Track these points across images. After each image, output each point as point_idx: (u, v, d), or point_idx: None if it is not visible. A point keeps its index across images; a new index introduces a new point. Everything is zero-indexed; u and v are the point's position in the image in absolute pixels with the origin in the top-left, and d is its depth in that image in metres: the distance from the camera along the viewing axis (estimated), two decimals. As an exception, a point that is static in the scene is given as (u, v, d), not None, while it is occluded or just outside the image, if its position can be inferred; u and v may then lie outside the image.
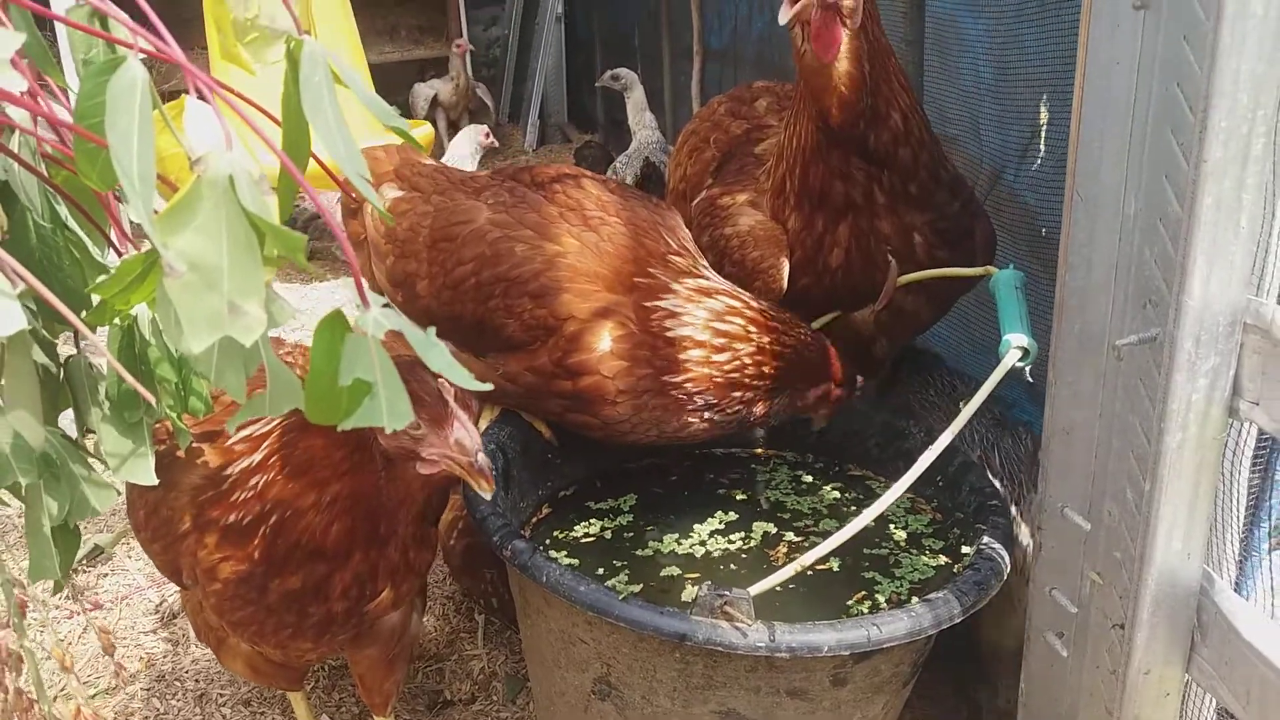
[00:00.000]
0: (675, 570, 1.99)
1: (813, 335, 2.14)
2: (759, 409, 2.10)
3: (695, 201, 2.68)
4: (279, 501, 1.69)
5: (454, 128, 8.10)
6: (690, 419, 2.07)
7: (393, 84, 8.35)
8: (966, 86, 3.05)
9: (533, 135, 9.08)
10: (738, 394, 2.05)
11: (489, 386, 1.09)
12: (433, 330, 1.08)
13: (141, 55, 1.01)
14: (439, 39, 9.61)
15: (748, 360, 2.04)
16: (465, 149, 5.52)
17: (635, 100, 5.48)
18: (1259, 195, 1.21)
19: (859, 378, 2.18)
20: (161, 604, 2.79)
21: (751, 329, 2.05)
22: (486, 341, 2.09)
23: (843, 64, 2.11)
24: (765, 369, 2.05)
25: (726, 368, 2.03)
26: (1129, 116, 1.32)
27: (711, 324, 2.02)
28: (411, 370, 1.55)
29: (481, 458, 1.60)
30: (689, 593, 1.90)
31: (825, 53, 2.10)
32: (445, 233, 2.13)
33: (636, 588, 1.93)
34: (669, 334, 2.00)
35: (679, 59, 6.44)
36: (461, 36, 8.54)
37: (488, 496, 1.63)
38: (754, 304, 2.09)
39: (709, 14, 5.86)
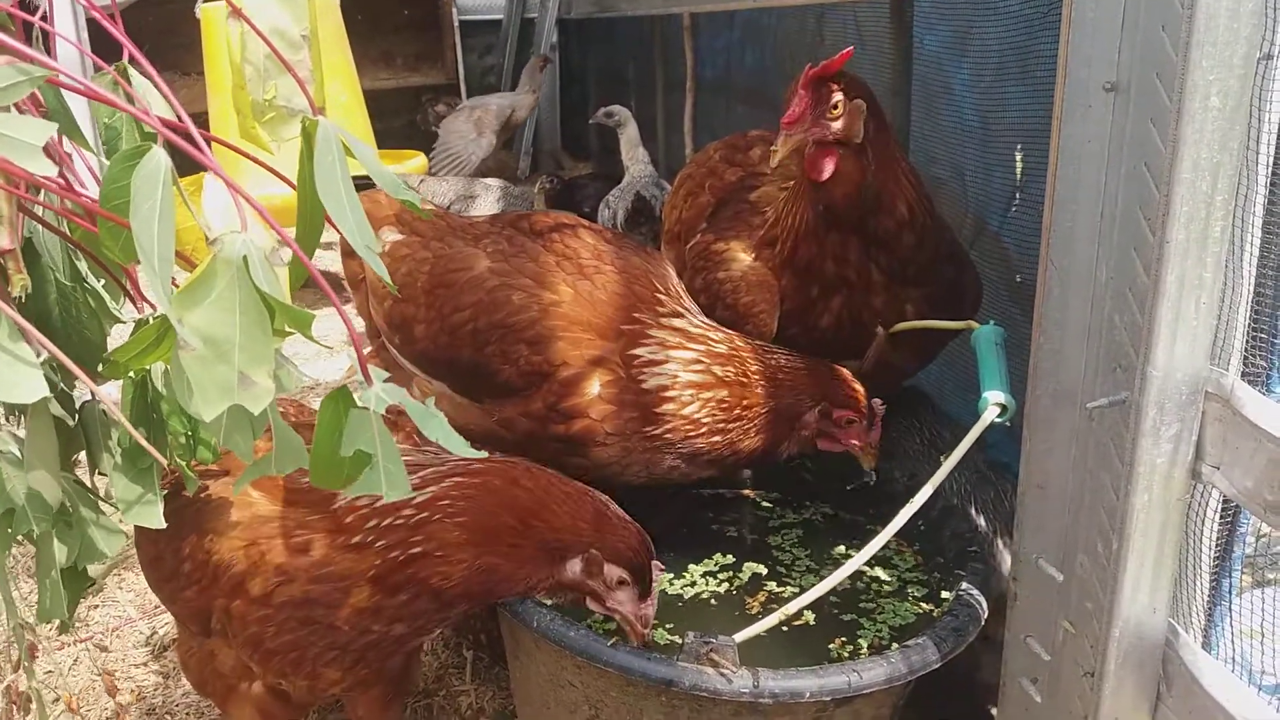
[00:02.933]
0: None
1: (791, 361, 2.17)
2: (749, 444, 2.14)
3: (690, 245, 2.74)
4: (432, 539, 1.71)
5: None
6: (677, 462, 2.13)
7: (388, 110, 8.43)
8: (951, 135, 3.13)
9: (525, 163, 9.17)
10: (718, 438, 2.11)
11: (485, 454, 1.15)
12: (432, 401, 1.14)
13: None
14: (434, 66, 9.72)
15: (715, 406, 2.09)
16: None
17: (629, 136, 5.55)
18: (1219, 273, 1.28)
19: (877, 402, 2.19)
20: (152, 635, 2.81)
21: (716, 369, 2.09)
22: (482, 387, 2.15)
23: (841, 176, 2.20)
24: (736, 410, 2.09)
25: (699, 417, 2.08)
26: (1100, 191, 1.39)
27: (681, 374, 2.08)
28: (647, 546, 1.76)
29: (650, 632, 1.80)
30: (660, 635, 1.95)
31: (819, 176, 2.20)
32: (444, 279, 2.18)
33: (611, 625, 1.98)
34: (645, 385, 2.06)
35: (672, 90, 6.53)
36: (543, 52, 8.52)
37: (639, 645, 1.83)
38: (720, 347, 2.13)
39: (701, 46, 5.95)
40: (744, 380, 2.10)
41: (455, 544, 1.73)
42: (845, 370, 2.20)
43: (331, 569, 1.74)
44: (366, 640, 1.81)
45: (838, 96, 2.14)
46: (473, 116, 7.60)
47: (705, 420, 2.08)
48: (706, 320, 2.22)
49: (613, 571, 1.76)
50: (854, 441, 2.19)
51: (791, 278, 2.41)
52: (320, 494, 1.80)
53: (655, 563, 1.79)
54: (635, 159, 5.48)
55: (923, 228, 2.30)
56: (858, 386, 2.18)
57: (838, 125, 2.16)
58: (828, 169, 2.19)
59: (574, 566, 1.78)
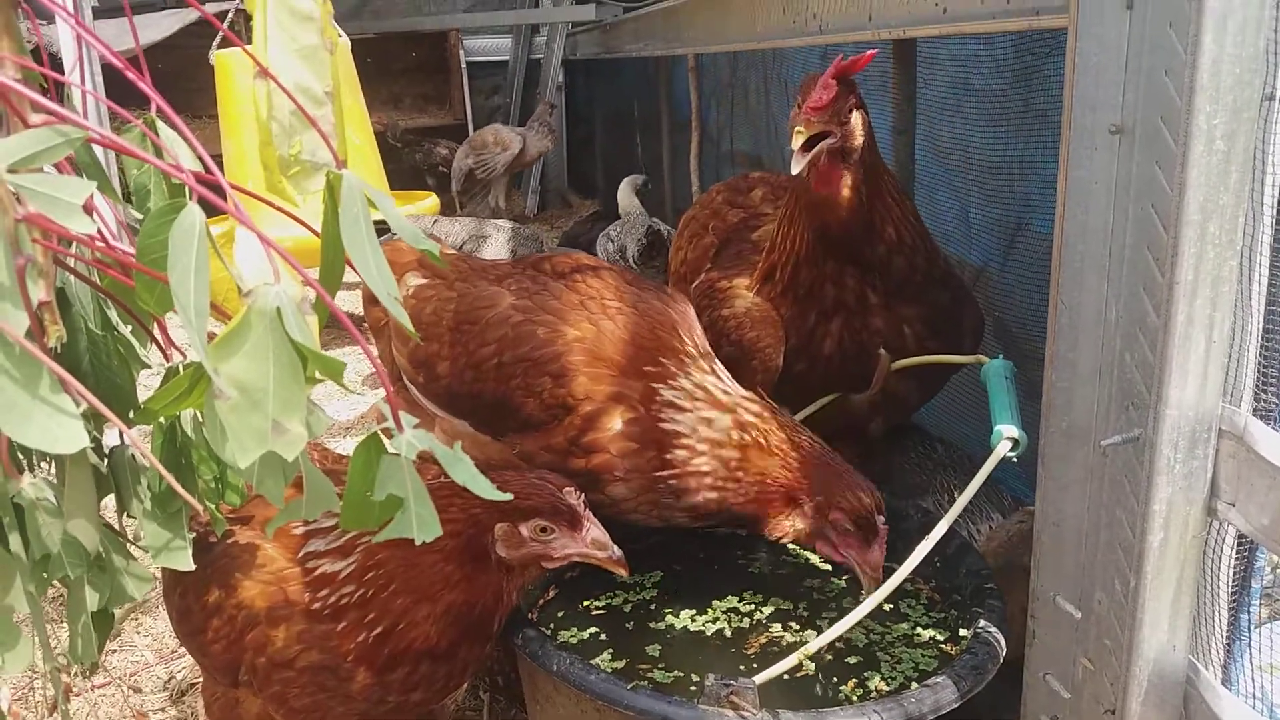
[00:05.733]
0: (657, 649, 2.05)
1: (810, 448, 2.06)
2: (742, 509, 2.07)
3: (695, 284, 2.79)
4: (387, 614, 1.73)
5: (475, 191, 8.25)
6: (682, 507, 2.12)
7: (395, 149, 8.53)
8: (956, 175, 3.18)
9: (533, 201, 9.26)
10: (713, 495, 2.07)
11: (509, 496, 1.17)
12: (459, 445, 1.16)
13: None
14: (442, 107, 9.83)
15: (720, 464, 2.04)
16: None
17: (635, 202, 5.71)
18: (1229, 312, 1.30)
19: (878, 520, 2.00)
20: (170, 680, 2.81)
21: (734, 433, 2.05)
22: (505, 421, 2.17)
23: (842, 191, 2.24)
24: (739, 474, 2.04)
25: (704, 469, 2.06)
26: (1107, 232, 1.42)
27: (700, 429, 2.06)
28: (544, 483, 1.73)
29: (616, 549, 1.80)
30: (660, 675, 1.96)
31: (826, 188, 2.24)
32: (470, 316, 2.22)
33: (620, 664, 2.00)
34: (663, 425, 2.07)
35: (677, 130, 6.60)
36: (548, 97, 8.86)
37: (626, 576, 1.87)
38: (745, 415, 2.08)
39: (705, 90, 6.03)
40: (759, 446, 2.05)
41: (407, 608, 1.74)
42: (865, 483, 2.02)
43: (332, 644, 1.76)
44: (385, 709, 1.82)
45: (853, 100, 2.18)
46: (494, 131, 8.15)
47: (708, 474, 2.05)
48: (737, 387, 2.16)
49: (531, 527, 1.75)
50: (850, 553, 2.01)
51: (792, 306, 2.44)
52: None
53: (566, 490, 1.77)
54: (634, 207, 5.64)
55: (911, 249, 2.34)
56: (866, 499, 1.99)
57: (849, 129, 2.18)
58: (836, 182, 2.21)
59: (501, 550, 1.77)
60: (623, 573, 1.82)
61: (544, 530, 1.75)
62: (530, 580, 1.87)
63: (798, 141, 2.17)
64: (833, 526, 2.01)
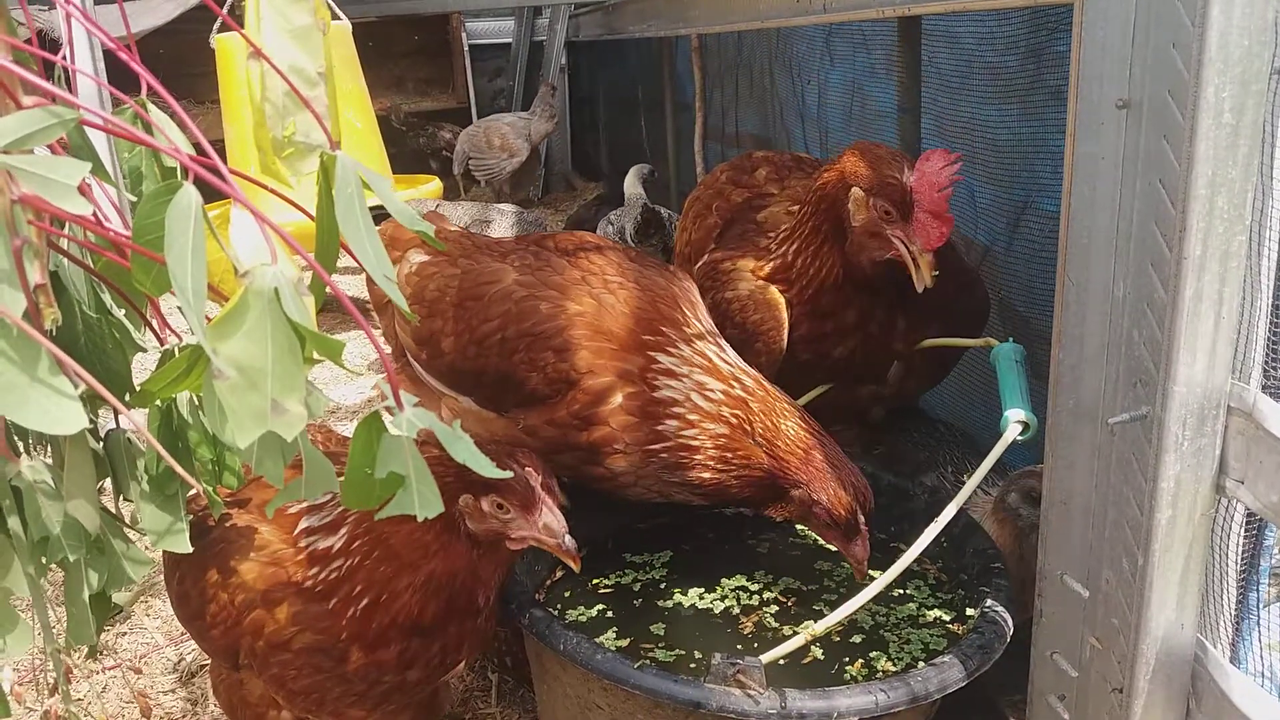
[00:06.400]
0: (662, 627, 2.05)
1: (798, 432, 2.04)
2: (737, 493, 2.09)
3: (699, 265, 2.77)
4: (371, 585, 1.74)
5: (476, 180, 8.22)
6: (679, 484, 2.13)
7: (399, 133, 8.51)
8: (963, 152, 3.15)
9: (537, 185, 9.22)
10: (708, 475, 2.07)
11: (510, 474, 1.17)
12: (458, 423, 1.15)
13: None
14: (445, 90, 9.80)
15: (711, 441, 2.04)
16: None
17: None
18: (1238, 287, 1.29)
19: (859, 521, 2.00)
20: (180, 662, 2.83)
21: (725, 409, 2.05)
22: (509, 396, 2.17)
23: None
24: (728, 454, 2.05)
25: (695, 444, 2.06)
26: (1115, 207, 1.40)
27: (693, 396, 2.06)
28: (502, 459, 1.69)
29: (569, 539, 1.75)
30: (663, 654, 1.96)
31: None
32: (473, 292, 2.22)
33: (624, 642, 2.00)
34: (657, 393, 2.06)
35: (681, 111, 6.57)
36: (550, 78, 8.83)
37: (576, 570, 1.81)
38: (736, 389, 2.07)
39: (710, 71, 5.99)
40: (745, 429, 2.05)
41: (389, 578, 1.75)
42: (851, 478, 2.02)
43: (326, 623, 1.77)
44: (382, 689, 1.82)
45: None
46: (499, 133, 8.00)
47: (698, 448, 2.06)
48: (738, 360, 2.17)
49: (490, 503, 1.73)
50: (835, 544, 2.07)
51: (807, 315, 2.43)
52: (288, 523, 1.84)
53: (528, 471, 1.72)
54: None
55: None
56: (845, 498, 1.99)
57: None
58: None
59: (469, 523, 1.76)
60: (572, 564, 1.78)
61: (500, 507, 1.73)
62: (513, 560, 1.86)
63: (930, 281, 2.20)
64: (815, 518, 2.04)
